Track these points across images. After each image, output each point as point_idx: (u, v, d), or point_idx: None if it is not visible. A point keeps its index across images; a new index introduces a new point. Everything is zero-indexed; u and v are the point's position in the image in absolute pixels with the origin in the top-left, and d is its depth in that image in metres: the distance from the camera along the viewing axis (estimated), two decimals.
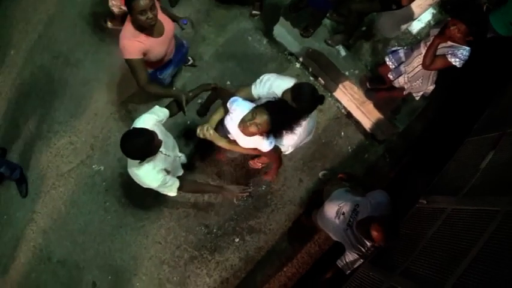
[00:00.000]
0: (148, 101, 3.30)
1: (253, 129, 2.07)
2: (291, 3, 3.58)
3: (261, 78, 2.39)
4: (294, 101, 2.09)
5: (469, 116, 3.28)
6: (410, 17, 3.44)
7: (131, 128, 2.04)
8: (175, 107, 2.42)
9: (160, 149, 2.13)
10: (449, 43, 2.58)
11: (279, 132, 2.13)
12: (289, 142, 2.39)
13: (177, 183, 2.30)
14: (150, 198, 3.35)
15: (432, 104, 3.63)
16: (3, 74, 3.60)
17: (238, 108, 2.23)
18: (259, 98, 2.38)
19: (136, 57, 2.32)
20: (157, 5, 2.33)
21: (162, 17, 2.44)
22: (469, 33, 2.45)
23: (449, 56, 2.57)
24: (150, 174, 2.14)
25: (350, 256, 2.40)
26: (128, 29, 2.29)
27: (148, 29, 2.30)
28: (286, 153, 2.59)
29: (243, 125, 2.10)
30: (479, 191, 2.43)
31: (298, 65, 3.72)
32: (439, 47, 2.61)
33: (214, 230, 3.36)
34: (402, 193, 3.32)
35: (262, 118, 2.03)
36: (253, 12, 3.73)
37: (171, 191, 2.31)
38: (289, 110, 2.09)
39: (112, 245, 3.30)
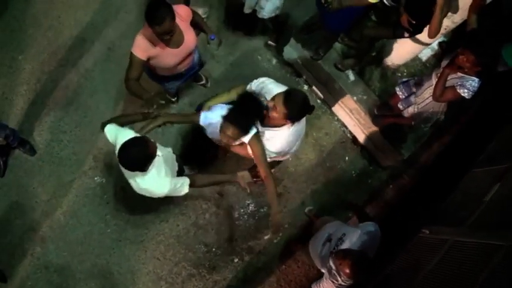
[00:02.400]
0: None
1: (231, 141, 2.26)
2: (303, 25, 3.57)
3: (258, 79, 2.44)
4: (285, 105, 2.11)
5: (475, 146, 3.28)
6: (422, 45, 3.43)
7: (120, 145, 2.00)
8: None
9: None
10: (459, 74, 2.56)
11: (248, 128, 2.23)
12: (272, 148, 2.37)
13: (187, 181, 2.26)
14: (151, 214, 3.33)
15: (438, 132, 3.62)
16: (10, 78, 3.55)
17: (212, 121, 2.36)
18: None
19: (139, 56, 2.30)
20: (186, 14, 2.36)
21: (185, 28, 2.38)
22: (478, 64, 2.41)
23: (458, 87, 2.55)
24: (157, 182, 2.12)
25: (325, 283, 2.41)
26: (148, 30, 2.26)
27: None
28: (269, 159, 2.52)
29: (224, 142, 2.29)
30: (483, 223, 2.42)
31: (306, 87, 3.72)
32: (448, 78, 2.59)
33: (214, 249, 3.35)
34: (404, 221, 3.31)
35: (230, 130, 2.16)
36: (269, 42, 3.72)
37: (184, 190, 2.27)
38: (246, 108, 2.21)
39: (110, 258, 3.28)
